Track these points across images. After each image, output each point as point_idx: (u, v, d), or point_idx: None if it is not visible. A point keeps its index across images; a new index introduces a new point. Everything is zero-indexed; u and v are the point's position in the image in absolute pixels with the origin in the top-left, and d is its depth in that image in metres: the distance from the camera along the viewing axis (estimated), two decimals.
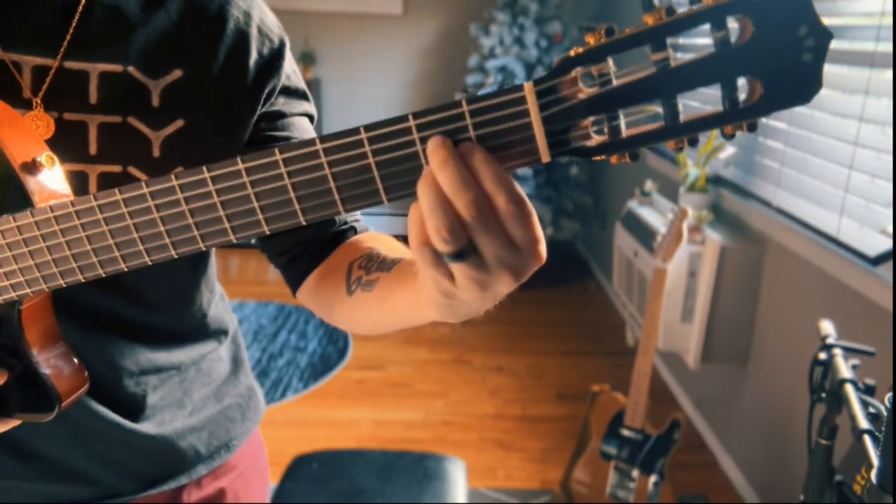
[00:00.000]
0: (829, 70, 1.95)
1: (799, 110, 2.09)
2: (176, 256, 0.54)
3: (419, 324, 0.61)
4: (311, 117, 0.81)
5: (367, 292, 0.66)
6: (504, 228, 0.46)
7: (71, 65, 0.65)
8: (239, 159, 0.50)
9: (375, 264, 0.67)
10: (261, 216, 0.51)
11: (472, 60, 4.09)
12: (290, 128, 0.76)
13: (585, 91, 0.45)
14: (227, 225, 0.52)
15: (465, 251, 0.47)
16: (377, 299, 0.64)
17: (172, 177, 0.51)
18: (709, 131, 0.44)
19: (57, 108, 0.65)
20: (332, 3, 4.38)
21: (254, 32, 0.72)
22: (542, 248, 0.47)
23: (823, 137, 1.95)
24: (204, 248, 0.53)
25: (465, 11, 4.44)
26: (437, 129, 0.46)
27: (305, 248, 0.77)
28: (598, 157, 0.46)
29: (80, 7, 0.65)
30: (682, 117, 0.44)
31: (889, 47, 1.66)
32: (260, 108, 0.74)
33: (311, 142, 0.48)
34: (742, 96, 0.43)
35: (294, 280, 0.79)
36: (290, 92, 0.77)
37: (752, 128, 0.44)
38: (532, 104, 0.45)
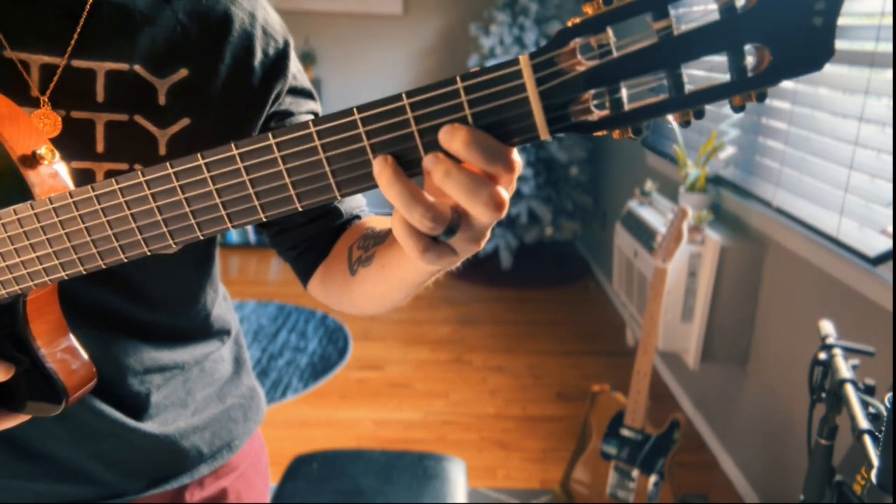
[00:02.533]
0: (829, 70, 1.95)
1: (799, 110, 2.09)
2: (174, 246, 0.54)
3: (422, 282, 0.61)
4: (316, 115, 0.81)
5: (367, 267, 0.66)
6: (477, 177, 0.46)
7: (78, 63, 0.66)
8: (233, 144, 0.49)
9: (371, 241, 0.68)
10: (256, 202, 0.50)
11: (472, 60, 4.10)
12: None
13: (584, 63, 0.43)
14: (223, 212, 0.51)
15: (454, 224, 0.47)
16: (376, 269, 0.65)
17: (168, 165, 0.51)
18: (716, 102, 0.42)
19: (64, 107, 0.66)
20: (332, 3, 4.38)
21: (258, 33, 0.73)
22: (514, 156, 0.46)
23: (823, 137, 1.95)
24: (202, 237, 0.53)
25: (465, 11, 4.44)
26: (431, 107, 0.45)
27: (314, 241, 0.78)
28: (599, 133, 0.45)
29: (88, 6, 0.66)
30: (687, 88, 0.42)
31: (889, 47, 1.66)
32: (268, 109, 0.74)
33: (304, 125, 0.47)
34: (750, 64, 0.41)
35: (303, 274, 0.80)
36: (297, 92, 0.78)
37: (762, 97, 0.42)
38: (528, 78, 0.43)
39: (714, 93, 0.42)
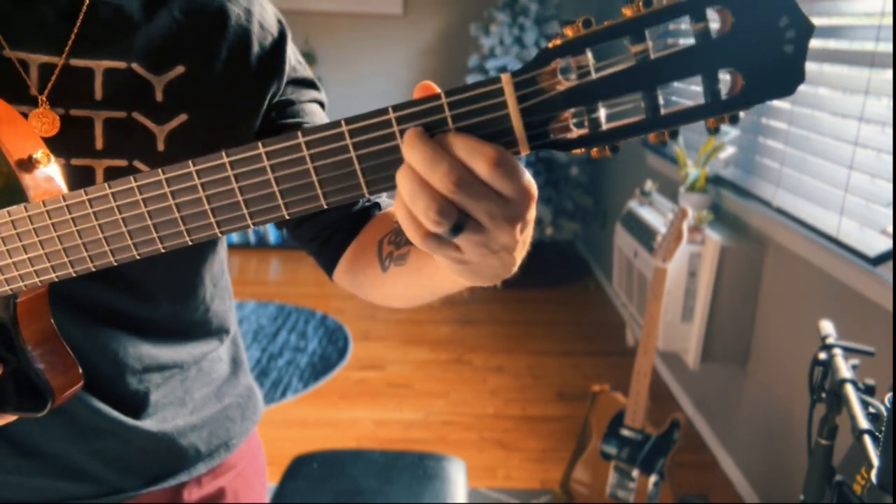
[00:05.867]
0: (829, 70, 1.95)
1: (799, 110, 2.09)
2: (163, 251, 0.55)
3: (456, 290, 0.62)
4: (321, 104, 0.82)
5: (400, 266, 0.67)
6: (489, 187, 0.46)
7: (76, 62, 0.66)
8: (223, 153, 0.50)
9: (404, 238, 0.68)
10: (245, 210, 0.51)
11: (472, 60, 4.10)
12: (300, 114, 0.77)
13: (564, 83, 0.44)
14: (212, 219, 0.52)
15: (460, 223, 0.47)
16: (411, 272, 0.65)
17: (160, 171, 0.52)
18: (690, 124, 0.44)
19: (63, 105, 0.66)
20: (332, 3, 4.38)
21: (255, 28, 0.74)
22: (533, 189, 0.47)
23: (823, 137, 1.95)
24: (190, 243, 0.54)
25: (465, 11, 4.44)
26: (416, 121, 0.46)
27: (333, 231, 0.78)
28: (577, 150, 0.46)
29: (85, 6, 0.66)
30: (662, 110, 0.43)
31: (889, 47, 1.66)
32: (267, 101, 0.75)
33: (293, 135, 0.48)
34: (724, 88, 0.43)
35: (327, 264, 0.80)
36: (298, 82, 0.78)
37: (735, 120, 0.43)
38: (510, 95, 0.45)
39: (688, 115, 0.44)
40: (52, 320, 0.67)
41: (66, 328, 0.68)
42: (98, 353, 0.73)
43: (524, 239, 0.51)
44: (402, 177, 0.46)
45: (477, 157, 0.45)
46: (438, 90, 0.47)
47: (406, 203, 0.47)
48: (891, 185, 1.66)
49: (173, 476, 0.83)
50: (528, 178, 0.47)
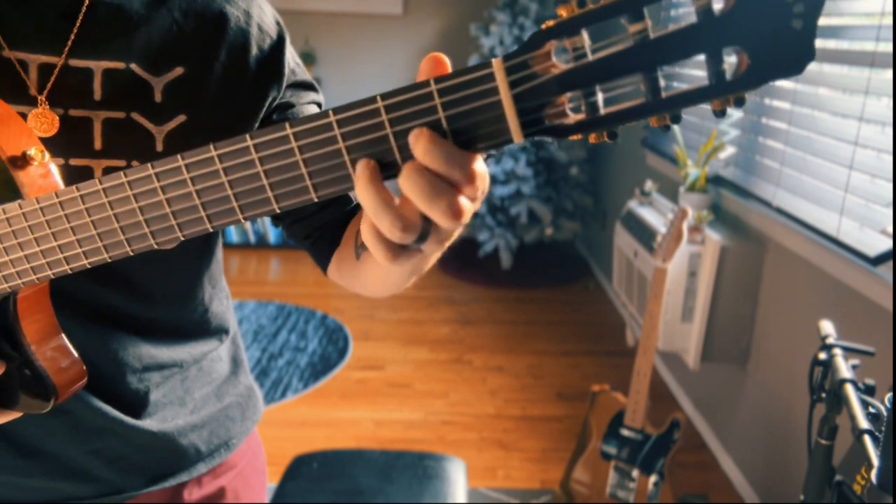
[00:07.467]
0: (829, 70, 1.95)
1: (799, 110, 2.09)
2: (156, 246, 0.55)
3: (412, 268, 0.63)
4: (319, 105, 0.82)
5: (367, 251, 0.67)
6: (446, 186, 0.45)
7: (76, 62, 0.67)
8: (212, 146, 0.49)
9: None
10: (235, 204, 0.51)
11: (473, 60, 4.10)
12: (300, 116, 0.77)
13: (559, 66, 0.42)
14: (202, 213, 0.52)
15: (425, 231, 0.47)
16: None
17: (149, 166, 0.52)
18: (693, 106, 0.42)
19: (62, 105, 0.66)
20: (332, 3, 4.38)
21: (254, 31, 0.74)
22: (475, 167, 0.46)
23: (823, 137, 1.95)
24: (182, 238, 0.54)
25: (465, 11, 4.44)
26: (405, 109, 0.45)
27: (325, 229, 0.79)
28: (574, 137, 0.44)
29: (84, 6, 0.66)
30: (663, 93, 0.41)
31: (889, 47, 1.65)
32: (267, 105, 0.75)
33: (281, 126, 0.47)
34: (729, 69, 0.40)
35: (321, 261, 0.81)
36: (298, 85, 0.79)
37: (740, 102, 0.41)
38: (501, 81, 0.43)
39: (691, 97, 0.41)
40: (55, 317, 0.67)
41: (66, 327, 0.68)
42: (98, 353, 0.73)
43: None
44: (362, 197, 0.46)
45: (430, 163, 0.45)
46: (449, 68, 0.45)
47: (372, 219, 0.47)
48: (891, 185, 1.66)
49: (174, 476, 0.83)
50: (474, 162, 0.46)
